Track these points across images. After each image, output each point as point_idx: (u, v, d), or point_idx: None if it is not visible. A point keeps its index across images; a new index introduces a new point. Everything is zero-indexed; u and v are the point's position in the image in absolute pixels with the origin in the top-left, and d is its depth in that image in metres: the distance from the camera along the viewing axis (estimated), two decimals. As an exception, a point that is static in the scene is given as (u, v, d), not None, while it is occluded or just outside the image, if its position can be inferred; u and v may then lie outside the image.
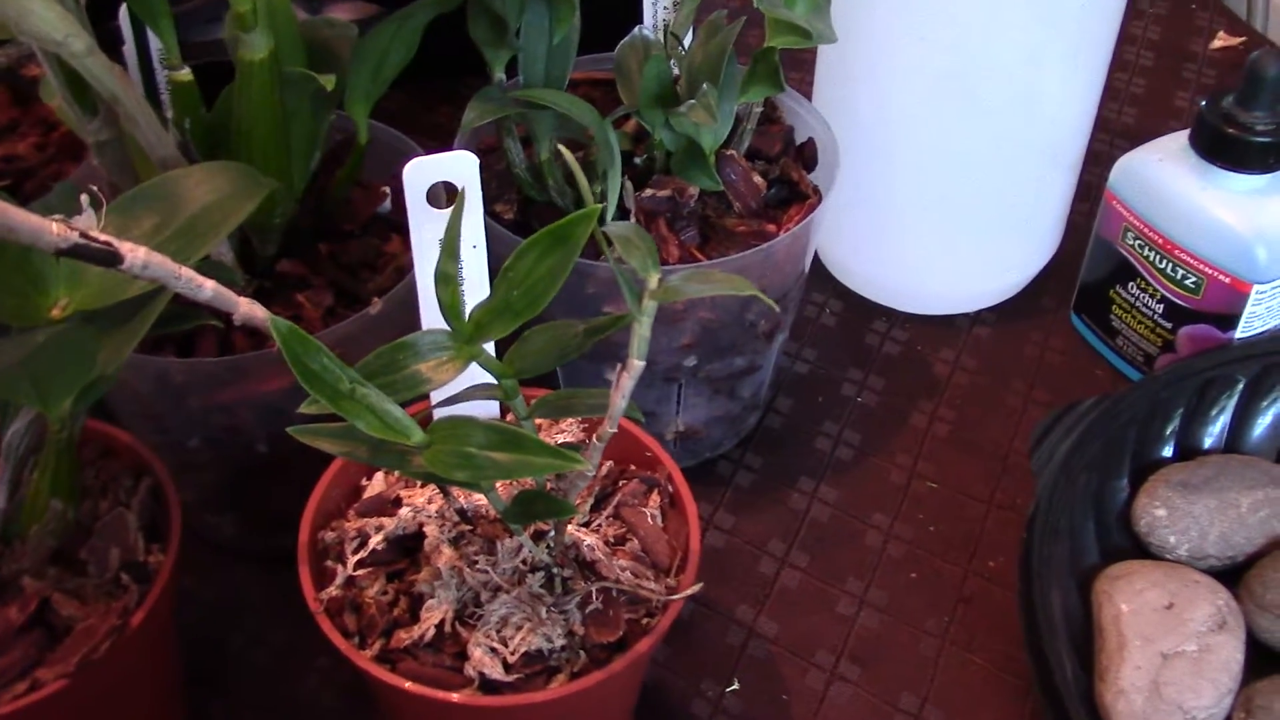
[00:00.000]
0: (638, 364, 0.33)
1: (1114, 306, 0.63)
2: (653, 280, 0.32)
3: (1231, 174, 0.56)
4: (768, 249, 0.51)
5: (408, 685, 0.39)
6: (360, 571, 0.43)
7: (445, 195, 0.41)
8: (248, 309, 0.36)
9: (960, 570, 0.56)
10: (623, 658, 0.40)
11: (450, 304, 0.33)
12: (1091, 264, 0.64)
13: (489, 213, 0.52)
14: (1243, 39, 0.87)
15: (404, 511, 0.44)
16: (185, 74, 0.46)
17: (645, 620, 0.42)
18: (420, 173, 0.39)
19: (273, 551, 0.53)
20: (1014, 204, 0.63)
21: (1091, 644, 0.51)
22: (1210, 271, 0.57)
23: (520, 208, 0.54)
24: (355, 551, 0.43)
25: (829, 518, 0.59)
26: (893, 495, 0.60)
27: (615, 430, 0.35)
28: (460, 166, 0.39)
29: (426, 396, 0.43)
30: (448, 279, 0.32)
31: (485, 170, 0.51)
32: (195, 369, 0.46)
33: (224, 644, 0.54)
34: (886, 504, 0.59)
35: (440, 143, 0.53)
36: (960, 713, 0.51)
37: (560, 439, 0.47)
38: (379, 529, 0.44)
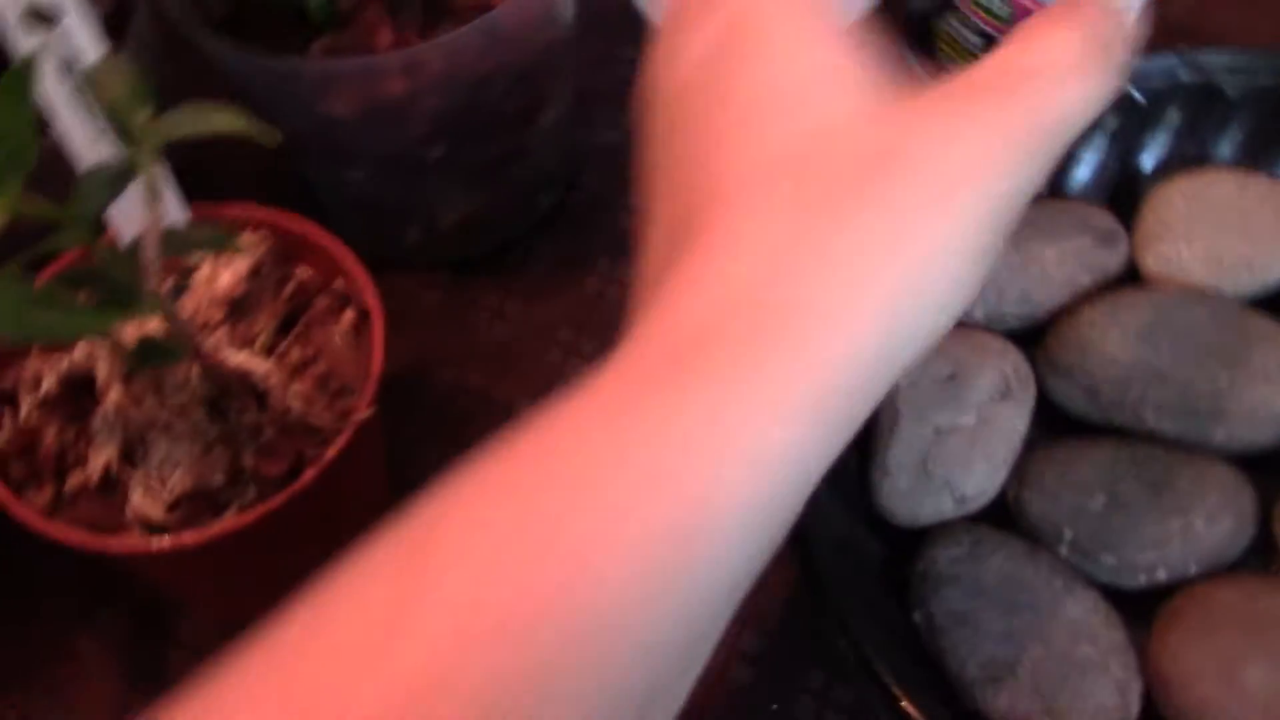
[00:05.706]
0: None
1: (938, 41, 0.57)
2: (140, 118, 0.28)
3: (1035, -111, 0.50)
4: (490, 22, 0.46)
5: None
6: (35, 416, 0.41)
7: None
8: None
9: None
10: (285, 491, 0.38)
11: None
12: (915, -2, 0.58)
13: None
14: None
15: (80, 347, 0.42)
16: None
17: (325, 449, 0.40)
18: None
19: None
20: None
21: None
22: (1018, -1, 0.51)
23: None
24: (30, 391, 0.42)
25: (627, 301, 0.55)
26: (696, 270, 0.56)
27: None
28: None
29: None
30: None
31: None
32: None
33: None
34: (687, 281, 0.56)
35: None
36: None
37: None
38: (55, 368, 0.42)
